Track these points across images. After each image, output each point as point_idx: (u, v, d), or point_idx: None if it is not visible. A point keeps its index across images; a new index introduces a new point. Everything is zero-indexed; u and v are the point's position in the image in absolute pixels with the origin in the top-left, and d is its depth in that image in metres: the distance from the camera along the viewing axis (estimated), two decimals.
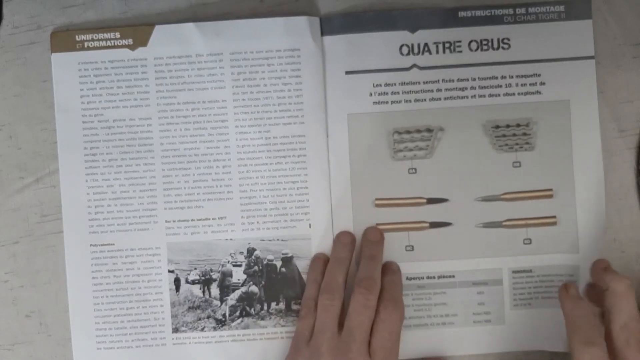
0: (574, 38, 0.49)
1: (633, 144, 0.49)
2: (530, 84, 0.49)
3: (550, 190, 0.49)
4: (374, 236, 0.49)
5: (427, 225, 0.50)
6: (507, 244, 0.49)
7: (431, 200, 0.50)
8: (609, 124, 0.49)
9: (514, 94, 0.49)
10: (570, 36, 0.49)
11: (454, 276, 0.50)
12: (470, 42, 0.49)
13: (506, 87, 0.49)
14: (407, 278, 0.50)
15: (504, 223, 0.49)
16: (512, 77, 0.49)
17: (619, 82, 0.49)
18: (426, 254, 0.49)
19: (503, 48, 0.49)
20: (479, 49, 0.49)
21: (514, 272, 0.49)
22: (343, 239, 0.49)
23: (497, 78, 0.49)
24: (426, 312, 0.50)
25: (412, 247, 0.50)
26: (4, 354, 0.50)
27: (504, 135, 0.49)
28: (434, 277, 0.50)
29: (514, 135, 0.49)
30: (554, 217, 0.49)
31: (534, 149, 0.49)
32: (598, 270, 0.46)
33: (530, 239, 0.49)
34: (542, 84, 0.49)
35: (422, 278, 0.50)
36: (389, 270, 0.48)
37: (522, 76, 0.49)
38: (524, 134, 0.49)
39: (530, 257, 0.49)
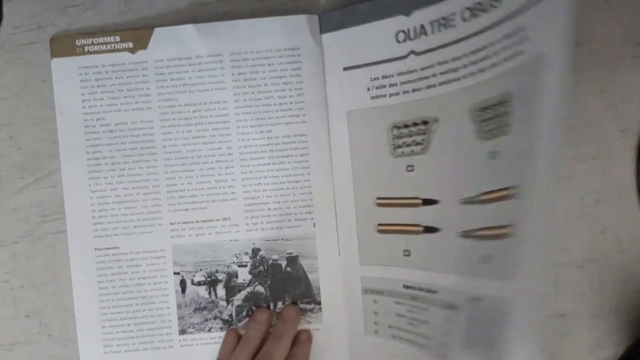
0: None
1: (633, 144, 0.50)
2: (514, 44, 0.42)
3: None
4: (288, 315, 0.49)
5: (421, 229, 0.47)
6: None
7: (426, 202, 0.47)
8: (609, 124, 0.50)
9: (499, 64, 0.43)
10: None
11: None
12: (464, 11, 0.45)
13: (494, 55, 0.43)
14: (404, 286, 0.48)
15: None
16: (499, 40, 0.43)
17: (619, 82, 0.50)
18: (421, 260, 0.47)
19: (493, 6, 0.44)
20: (472, 17, 0.45)
21: None
22: (258, 317, 0.49)
23: (485, 48, 0.44)
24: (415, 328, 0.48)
25: (409, 252, 0.48)
26: (4, 354, 0.50)
27: (488, 119, 0.44)
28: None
29: (495, 117, 0.43)
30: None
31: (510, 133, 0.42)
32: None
33: None
34: (527, 39, 0.41)
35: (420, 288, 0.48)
36: (297, 342, 0.48)
37: (508, 37, 0.42)
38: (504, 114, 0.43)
39: None
